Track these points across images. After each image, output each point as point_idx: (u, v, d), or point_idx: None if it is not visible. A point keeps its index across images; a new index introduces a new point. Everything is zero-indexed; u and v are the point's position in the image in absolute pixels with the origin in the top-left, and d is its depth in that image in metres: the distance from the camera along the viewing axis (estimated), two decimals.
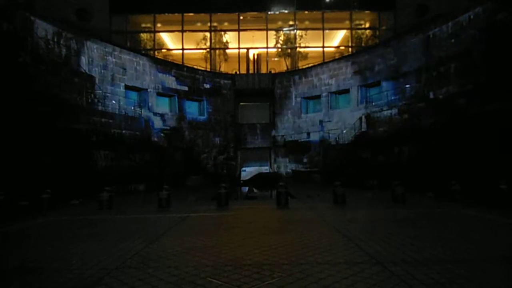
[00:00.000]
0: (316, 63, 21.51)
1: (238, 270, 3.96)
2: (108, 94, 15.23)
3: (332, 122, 19.04)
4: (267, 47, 24.20)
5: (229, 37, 24.84)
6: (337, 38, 25.68)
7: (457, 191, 9.74)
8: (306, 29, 24.53)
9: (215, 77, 21.78)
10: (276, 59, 25.29)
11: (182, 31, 23.80)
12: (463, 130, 11.73)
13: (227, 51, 25.22)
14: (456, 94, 12.25)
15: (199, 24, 24.69)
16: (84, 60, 14.10)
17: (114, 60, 15.85)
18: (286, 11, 24.09)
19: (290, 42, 24.63)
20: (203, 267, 4.12)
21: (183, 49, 23.85)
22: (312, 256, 4.48)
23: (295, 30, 24.26)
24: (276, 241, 5.38)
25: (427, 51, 13.81)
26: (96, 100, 14.54)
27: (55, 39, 12.64)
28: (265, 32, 24.12)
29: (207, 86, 21.08)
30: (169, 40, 25.70)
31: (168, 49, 25.30)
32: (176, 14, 23.74)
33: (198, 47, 24.61)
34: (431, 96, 13.42)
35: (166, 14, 24.03)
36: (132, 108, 16.77)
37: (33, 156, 11.15)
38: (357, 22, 24.86)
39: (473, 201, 9.22)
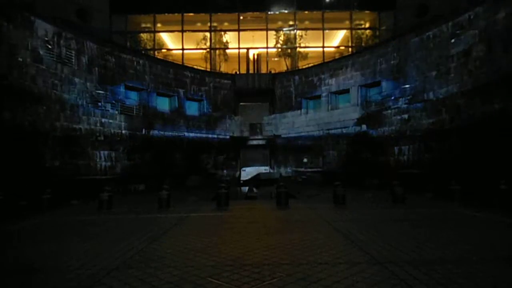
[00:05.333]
0: (316, 63, 21.51)
1: (238, 270, 3.97)
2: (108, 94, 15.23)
3: (332, 122, 19.05)
4: (267, 47, 24.20)
5: (229, 37, 24.84)
6: (337, 38, 25.69)
7: (456, 191, 9.76)
8: (306, 29, 24.52)
9: (215, 77, 21.80)
10: (276, 59, 25.29)
11: (182, 31, 23.80)
12: (462, 130, 11.75)
13: (227, 51, 25.21)
14: (455, 94, 12.27)
15: (199, 24, 24.69)
16: (84, 60, 14.10)
17: (114, 60, 15.87)
18: (286, 11, 24.09)
19: (290, 42, 24.63)
20: (203, 267, 4.12)
21: (183, 49, 23.86)
22: (312, 256, 4.49)
23: (295, 30, 24.27)
24: (276, 241, 5.38)
25: (427, 51, 13.83)
26: (96, 101, 14.53)
27: (55, 39, 12.64)
28: (265, 32, 24.11)
29: (207, 86, 21.10)
30: (169, 40, 25.70)
31: (168, 49, 25.31)
32: (176, 14, 23.74)
33: (198, 47, 24.61)
34: (431, 96, 13.43)
35: (166, 14, 24.04)
36: (133, 108, 16.77)
37: (33, 158, 11.16)
38: (357, 22, 24.86)
39: (472, 201, 9.23)
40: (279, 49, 24.92)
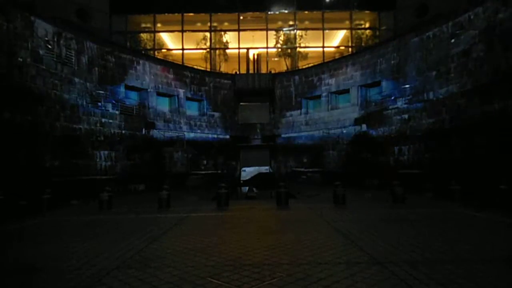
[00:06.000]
0: (316, 63, 21.52)
1: (238, 270, 3.97)
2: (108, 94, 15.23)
3: (332, 122, 19.06)
4: (267, 47, 24.19)
5: (229, 37, 24.84)
6: (337, 38, 25.67)
7: (456, 191, 9.76)
8: (306, 29, 24.52)
9: (215, 77, 21.80)
10: (276, 59, 25.28)
11: (182, 31, 23.79)
12: (462, 130, 11.75)
13: (227, 51, 25.21)
14: (456, 94, 12.27)
15: (199, 24, 24.69)
16: (84, 60, 14.10)
17: (114, 60, 15.87)
18: (286, 11, 24.09)
19: (290, 42, 24.63)
20: (203, 267, 4.12)
21: (183, 49, 23.85)
22: (312, 256, 4.49)
23: (295, 30, 24.27)
24: (276, 241, 5.38)
25: (427, 51, 13.83)
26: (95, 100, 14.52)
27: (55, 39, 12.63)
28: (265, 32, 24.10)
29: (207, 86, 21.11)
30: (169, 40, 25.69)
31: (168, 49, 25.30)
32: (176, 14, 23.74)
33: (198, 47, 24.61)
34: (431, 96, 13.43)
35: (166, 14, 24.04)
36: (133, 108, 16.77)
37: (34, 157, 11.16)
38: (357, 22, 24.85)
39: (472, 201, 9.22)
40: (279, 49, 24.92)
